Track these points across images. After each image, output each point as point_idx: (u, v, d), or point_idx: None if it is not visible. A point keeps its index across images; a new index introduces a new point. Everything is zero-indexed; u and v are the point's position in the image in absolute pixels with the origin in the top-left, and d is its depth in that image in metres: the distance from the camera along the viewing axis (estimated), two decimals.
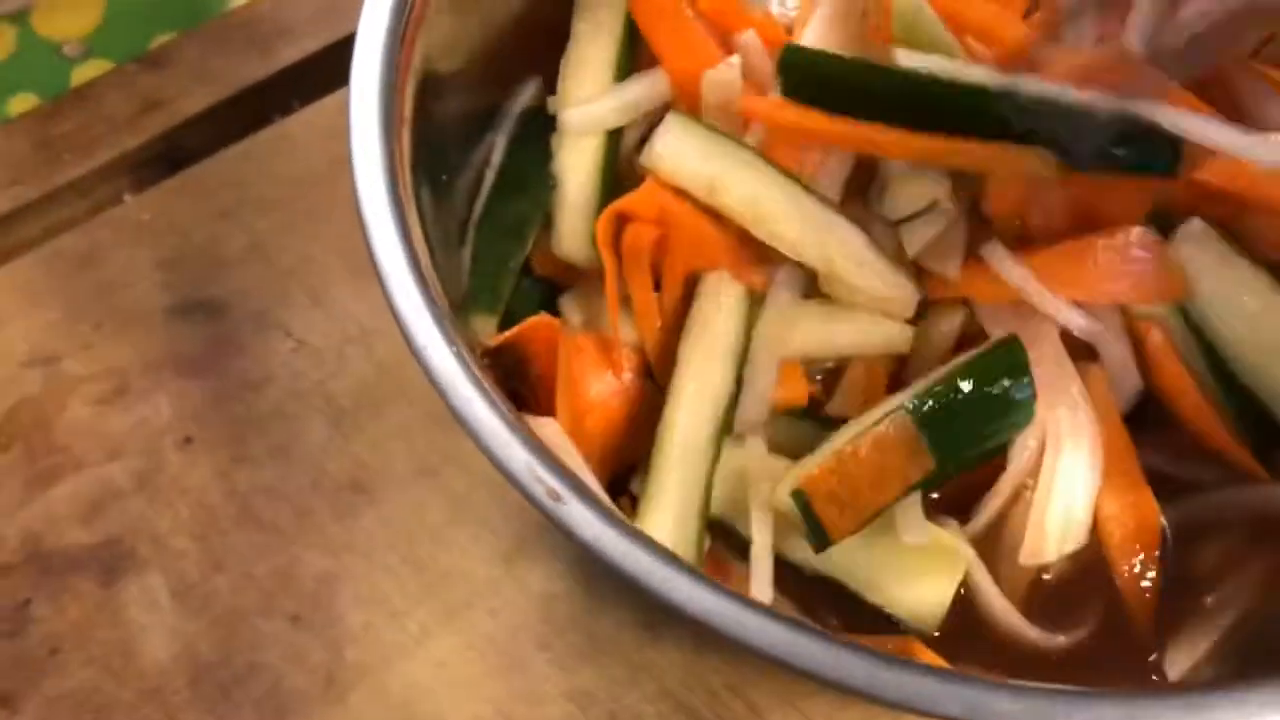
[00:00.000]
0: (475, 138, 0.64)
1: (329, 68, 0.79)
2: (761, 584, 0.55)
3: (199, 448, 0.69)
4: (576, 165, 0.62)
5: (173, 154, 0.78)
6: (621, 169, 0.63)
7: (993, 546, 0.58)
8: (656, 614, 0.63)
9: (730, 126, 0.60)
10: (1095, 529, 0.58)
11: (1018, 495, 0.58)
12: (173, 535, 0.67)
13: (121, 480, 0.69)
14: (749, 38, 0.62)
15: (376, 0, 0.56)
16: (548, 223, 0.63)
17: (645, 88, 0.63)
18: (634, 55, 0.63)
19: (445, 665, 0.64)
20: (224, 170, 0.77)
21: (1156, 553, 0.58)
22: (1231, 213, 0.58)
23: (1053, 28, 0.58)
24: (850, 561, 0.56)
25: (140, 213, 0.76)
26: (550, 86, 0.65)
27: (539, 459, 0.48)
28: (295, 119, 0.78)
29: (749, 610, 0.45)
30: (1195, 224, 0.57)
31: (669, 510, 0.56)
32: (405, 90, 0.56)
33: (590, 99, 0.62)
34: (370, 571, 0.66)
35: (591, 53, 0.63)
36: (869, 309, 0.59)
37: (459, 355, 0.49)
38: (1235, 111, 0.61)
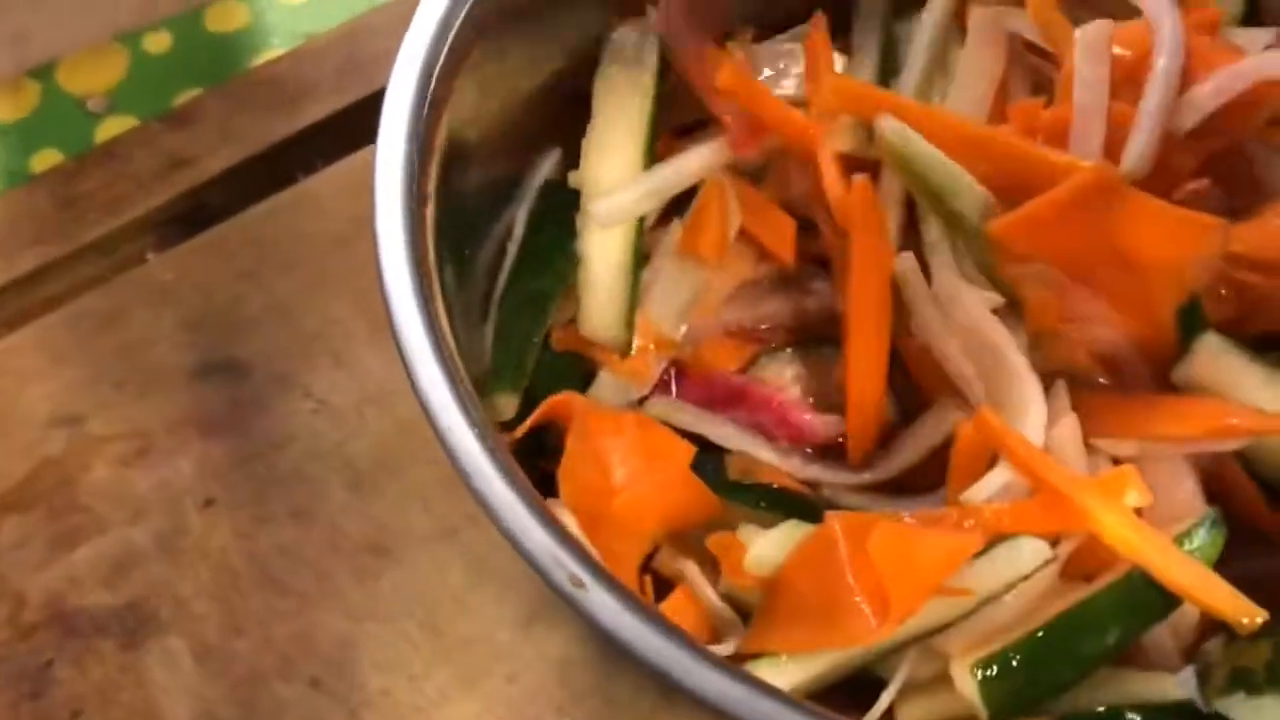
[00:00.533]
0: (498, 210, 0.64)
1: (352, 126, 0.80)
2: None
3: (220, 509, 0.70)
4: (603, 249, 0.62)
5: (196, 213, 0.78)
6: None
7: None
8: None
9: None
10: None
11: None
12: (194, 598, 0.68)
13: (144, 542, 0.69)
14: None
15: (403, 69, 0.57)
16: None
17: (675, 174, 0.63)
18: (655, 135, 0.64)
19: None
20: (247, 229, 0.77)
21: None
22: None
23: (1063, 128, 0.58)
24: None
25: (163, 272, 0.76)
26: (571, 157, 0.65)
27: (560, 543, 0.48)
28: (318, 178, 0.79)
29: (767, 698, 0.45)
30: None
31: None
32: (431, 165, 0.57)
33: (617, 188, 0.62)
34: (389, 635, 0.66)
35: (617, 137, 0.63)
36: None
37: (481, 436, 0.49)
38: (1249, 181, 0.61)
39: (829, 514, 0.54)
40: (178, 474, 0.71)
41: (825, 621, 0.53)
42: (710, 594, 0.60)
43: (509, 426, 0.60)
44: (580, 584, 0.47)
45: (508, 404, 0.60)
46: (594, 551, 0.54)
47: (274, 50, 0.87)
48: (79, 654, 0.66)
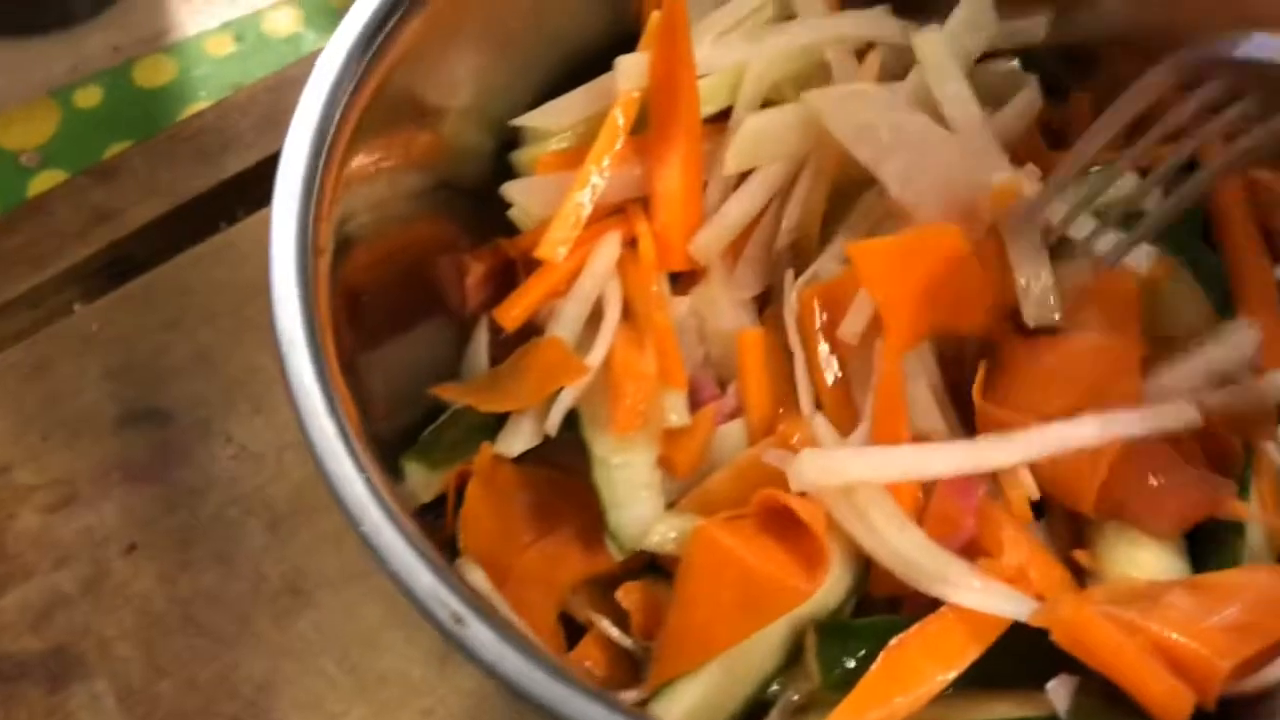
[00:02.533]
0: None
1: (272, 177, 0.81)
2: None
3: (143, 554, 0.71)
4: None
5: (121, 264, 0.80)
6: None
7: None
8: None
9: None
10: None
11: None
12: (118, 641, 0.69)
13: (69, 587, 0.71)
14: None
15: (299, 127, 0.59)
16: None
17: None
18: None
19: None
20: (171, 280, 0.79)
21: None
22: None
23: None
24: None
25: (89, 323, 0.78)
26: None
27: (443, 582, 0.50)
28: (240, 228, 0.81)
29: None
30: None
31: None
32: (325, 218, 0.59)
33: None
34: (307, 675, 0.68)
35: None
36: None
37: (368, 482, 0.51)
38: None
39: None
40: (102, 521, 0.73)
41: (747, 608, 0.56)
42: (619, 635, 0.62)
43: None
44: (460, 621, 0.49)
45: (421, 476, 0.63)
46: (489, 590, 0.57)
47: (201, 103, 0.89)
48: (4, 699, 0.68)
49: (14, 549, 0.72)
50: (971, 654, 0.56)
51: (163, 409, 0.75)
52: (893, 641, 0.57)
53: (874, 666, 0.56)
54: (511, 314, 0.66)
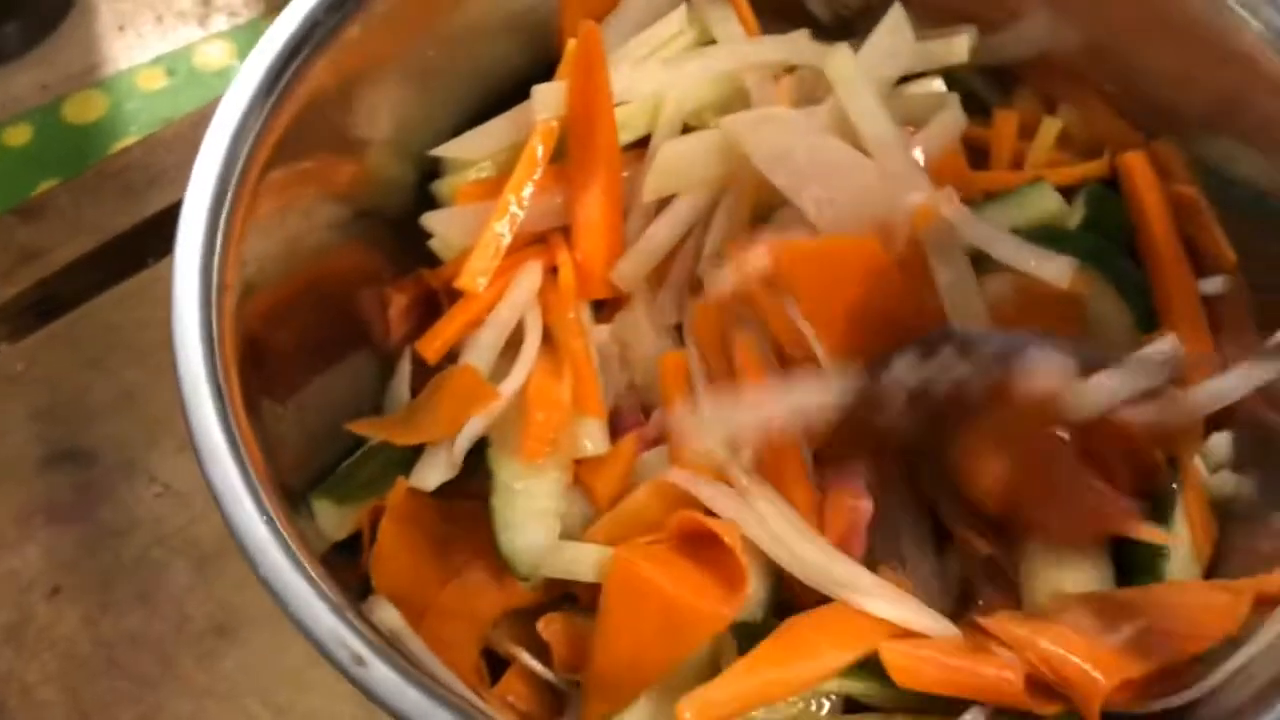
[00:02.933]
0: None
1: None
2: None
3: (66, 597, 0.71)
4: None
5: (47, 303, 0.80)
6: None
7: None
8: None
9: None
10: None
11: None
12: (41, 685, 0.69)
13: None
14: None
15: (202, 168, 0.59)
16: None
17: None
18: None
19: None
20: (97, 318, 0.79)
21: None
22: None
23: None
24: None
25: (14, 363, 0.78)
26: None
27: (344, 623, 0.49)
28: (165, 264, 0.79)
29: None
30: None
31: None
32: (230, 255, 0.58)
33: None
34: (233, 715, 0.68)
35: None
36: None
37: (269, 525, 0.51)
38: None
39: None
40: (25, 563, 0.72)
41: (671, 637, 0.56)
42: (541, 669, 0.62)
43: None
44: (361, 662, 0.48)
45: (328, 513, 0.62)
46: (401, 627, 0.56)
47: (132, 137, 0.88)
48: None
49: None
50: (867, 644, 0.56)
51: (87, 449, 0.75)
52: (792, 618, 0.57)
53: (773, 634, 0.56)
54: (433, 346, 0.66)
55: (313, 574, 0.50)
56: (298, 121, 0.61)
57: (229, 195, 0.58)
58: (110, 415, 0.76)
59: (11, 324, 0.80)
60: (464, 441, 0.61)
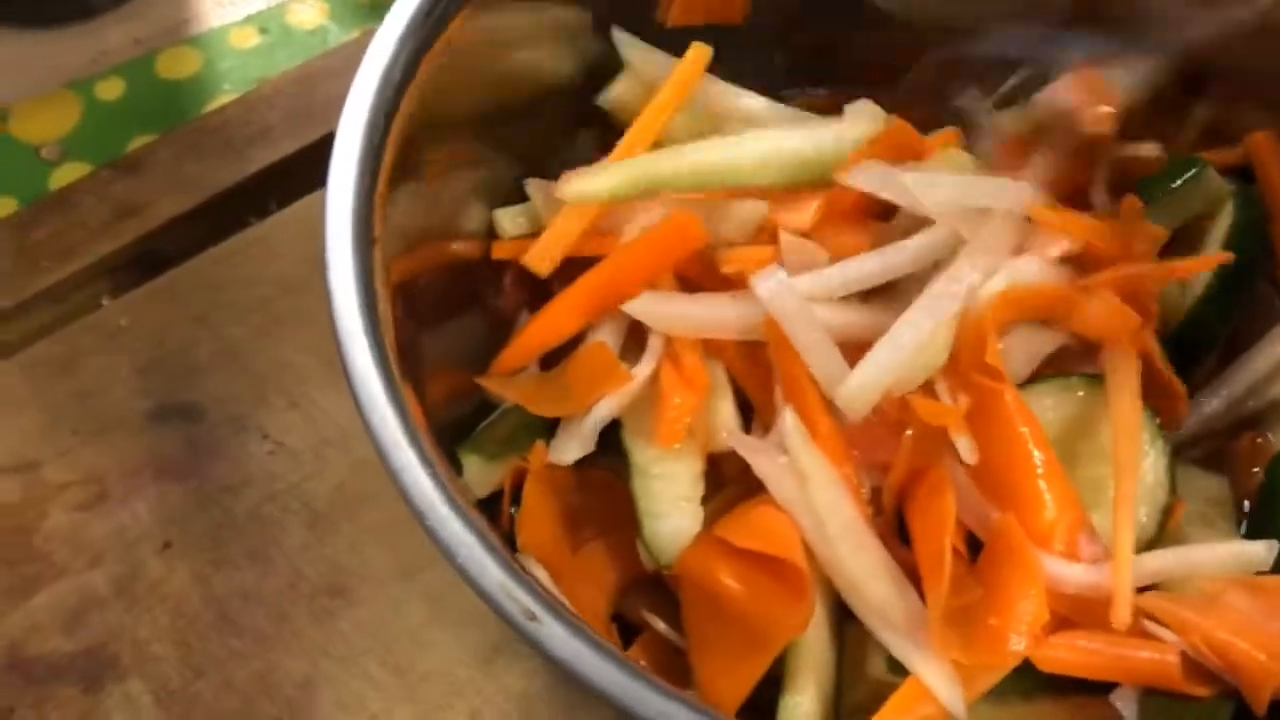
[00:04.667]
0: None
1: (304, 170, 0.80)
2: None
3: (177, 553, 0.70)
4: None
5: (149, 258, 0.79)
6: None
7: None
8: None
9: None
10: None
11: None
12: (153, 642, 0.68)
13: (102, 587, 0.69)
14: None
15: (352, 113, 0.58)
16: None
17: None
18: None
19: None
20: (200, 274, 0.78)
21: None
22: None
23: None
24: None
25: (118, 318, 0.77)
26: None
27: (514, 578, 0.49)
28: (270, 222, 0.80)
29: None
30: None
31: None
32: (379, 206, 0.57)
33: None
34: (349, 675, 0.67)
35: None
36: None
37: (433, 475, 0.50)
38: None
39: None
40: (135, 519, 0.71)
41: (753, 647, 0.55)
42: (674, 636, 0.61)
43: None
44: (534, 618, 0.48)
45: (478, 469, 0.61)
46: (551, 587, 0.56)
47: (226, 95, 0.87)
48: (39, 701, 0.66)
49: (45, 548, 0.70)
50: None
51: (194, 404, 0.74)
52: None
53: None
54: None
55: (480, 528, 0.49)
56: (443, 72, 0.61)
57: (378, 143, 0.57)
58: (216, 372, 0.75)
59: (113, 278, 0.79)
60: (594, 424, 0.60)
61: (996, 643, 0.54)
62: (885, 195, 0.61)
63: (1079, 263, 0.63)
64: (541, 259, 0.64)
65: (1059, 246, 0.62)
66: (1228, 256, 0.63)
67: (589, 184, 0.63)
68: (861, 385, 0.57)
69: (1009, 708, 0.56)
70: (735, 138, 0.65)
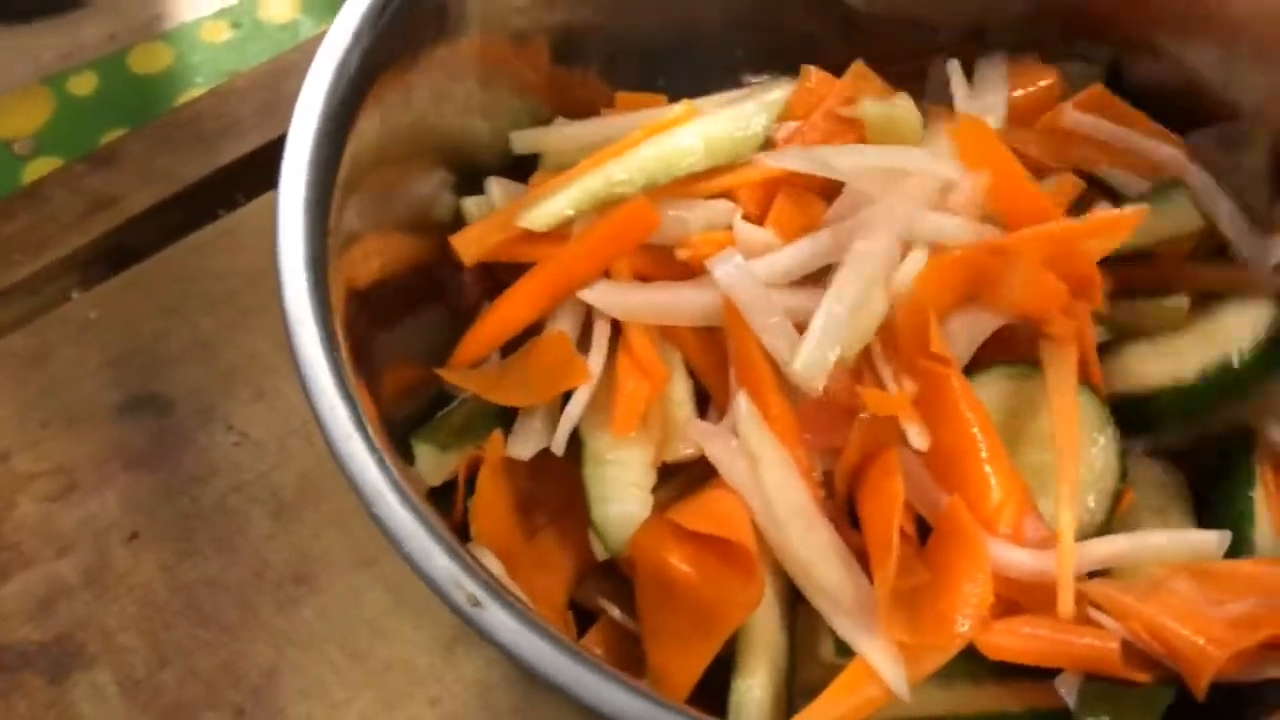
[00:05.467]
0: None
1: (273, 162, 0.80)
2: None
3: (145, 543, 0.71)
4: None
5: (120, 251, 0.80)
6: None
7: None
8: None
9: None
10: None
11: None
12: (120, 631, 0.69)
13: (70, 577, 0.70)
14: None
15: (305, 108, 0.58)
16: None
17: None
18: None
19: None
20: (170, 267, 0.79)
21: None
22: None
23: None
24: None
25: (88, 310, 0.78)
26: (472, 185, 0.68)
27: (459, 564, 0.49)
28: (240, 214, 0.80)
29: (659, 708, 0.47)
30: None
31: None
32: (334, 200, 0.58)
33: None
34: (311, 663, 0.67)
35: None
36: None
37: (380, 464, 0.51)
38: None
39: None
40: (103, 509, 0.72)
41: (703, 629, 0.56)
42: (628, 622, 0.62)
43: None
44: (478, 604, 0.48)
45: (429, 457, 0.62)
46: (500, 575, 0.56)
47: (198, 89, 0.88)
48: (6, 689, 0.67)
49: (14, 538, 0.71)
50: None
51: (163, 396, 0.75)
52: None
53: None
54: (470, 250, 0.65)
55: (427, 516, 0.50)
56: (397, 63, 0.61)
57: (332, 134, 0.58)
58: (185, 363, 0.75)
59: (83, 271, 0.80)
60: (564, 432, 0.60)
61: (942, 625, 0.54)
62: (806, 170, 0.62)
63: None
64: (467, 244, 0.64)
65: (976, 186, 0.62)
66: (1143, 210, 0.62)
67: (551, 208, 0.64)
68: (810, 357, 0.57)
69: (956, 691, 0.57)
70: (669, 131, 0.65)
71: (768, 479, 0.57)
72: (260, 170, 0.82)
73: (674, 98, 0.69)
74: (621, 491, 0.60)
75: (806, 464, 0.59)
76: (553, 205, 0.64)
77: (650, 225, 0.63)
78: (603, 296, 0.62)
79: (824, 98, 0.66)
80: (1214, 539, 0.57)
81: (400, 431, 0.62)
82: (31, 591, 0.70)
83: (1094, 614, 0.56)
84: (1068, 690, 0.55)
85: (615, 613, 0.62)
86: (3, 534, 0.71)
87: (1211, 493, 0.64)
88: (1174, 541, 0.59)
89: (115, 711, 0.67)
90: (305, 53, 0.86)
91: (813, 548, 0.57)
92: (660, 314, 0.62)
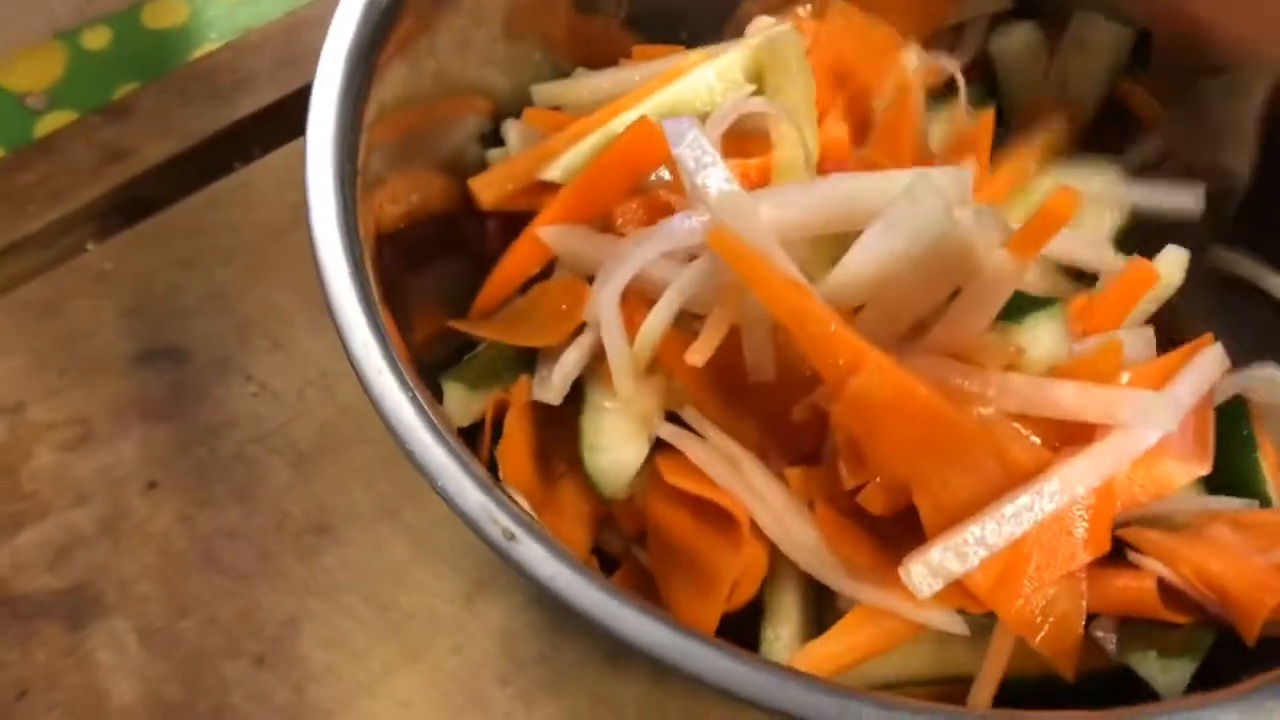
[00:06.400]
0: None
1: (288, 116, 0.80)
2: None
3: (162, 493, 0.70)
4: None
5: (135, 203, 0.79)
6: None
7: None
8: (617, 646, 0.64)
9: None
10: None
11: None
12: (138, 580, 0.68)
13: (87, 526, 0.70)
14: None
15: (329, 57, 0.58)
16: None
17: None
18: None
19: (408, 705, 0.65)
20: (185, 219, 0.78)
21: None
22: None
23: None
24: None
25: (103, 262, 0.77)
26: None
27: (493, 499, 0.49)
28: (255, 167, 0.80)
29: (695, 642, 0.47)
30: None
31: None
32: (360, 148, 0.57)
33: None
34: (332, 612, 0.67)
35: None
36: None
37: (414, 401, 0.50)
38: None
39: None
40: (120, 459, 0.71)
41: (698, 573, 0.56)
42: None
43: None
44: (513, 538, 0.48)
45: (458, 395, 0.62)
46: (531, 512, 0.56)
47: (212, 44, 0.88)
48: (24, 637, 0.67)
49: (30, 487, 0.71)
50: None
51: (179, 347, 0.74)
52: None
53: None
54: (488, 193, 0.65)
55: (461, 453, 0.50)
56: (423, 12, 0.61)
57: (359, 78, 0.57)
58: (201, 314, 0.75)
59: (99, 223, 0.79)
60: (563, 376, 0.60)
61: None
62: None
63: None
64: (485, 187, 0.64)
65: None
66: None
67: (567, 159, 0.64)
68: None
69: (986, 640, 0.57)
70: (683, 75, 0.65)
71: (754, 480, 0.57)
72: (276, 124, 0.81)
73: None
74: (616, 439, 0.59)
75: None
76: (569, 156, 0.64)
77: (656, 146, 0.61)
78: (560, 238, 0.61)
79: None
80: (1239, 505, 0.58)
81: (430, 375, 0.62)
82: (49, 540, 0.69)
83: (1134, 557, 0.55)
84: (1105, 633, 0.55)
85: (641, 557, 0.62)
86: (20, 483, 0.71)
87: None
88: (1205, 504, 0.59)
89: (133, 660, 0.66)
90: (321, 7, 0.86)
91: (803, 540, 0.57)
92: (623, 262, 0.59)
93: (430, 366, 0.64)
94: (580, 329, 0.61)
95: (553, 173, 0.64)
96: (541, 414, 0.63)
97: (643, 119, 0.61)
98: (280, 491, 0.70)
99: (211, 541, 0.69)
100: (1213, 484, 0.61)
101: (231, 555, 0.69)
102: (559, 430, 0.63)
